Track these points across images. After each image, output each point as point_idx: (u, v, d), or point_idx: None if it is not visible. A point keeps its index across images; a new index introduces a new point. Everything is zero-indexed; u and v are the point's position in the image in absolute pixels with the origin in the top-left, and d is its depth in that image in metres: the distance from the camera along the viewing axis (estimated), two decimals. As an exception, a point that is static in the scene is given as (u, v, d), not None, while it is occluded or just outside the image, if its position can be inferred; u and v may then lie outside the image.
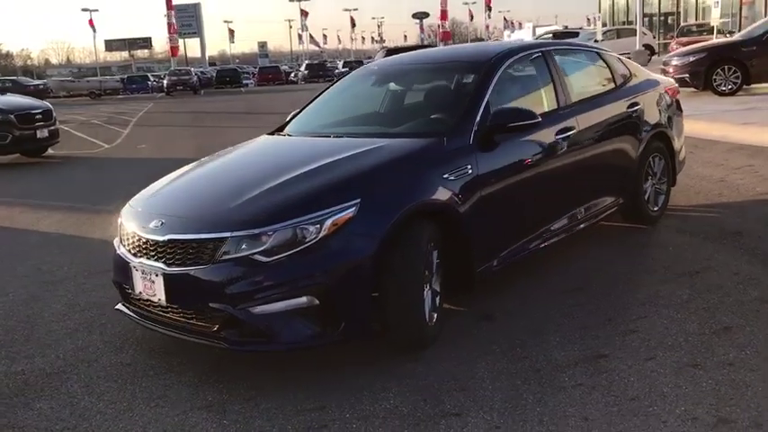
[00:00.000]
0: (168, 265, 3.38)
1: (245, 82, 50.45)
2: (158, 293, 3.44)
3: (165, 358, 3.80)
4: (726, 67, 13.41)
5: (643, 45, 27.66)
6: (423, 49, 6.11)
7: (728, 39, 15.94)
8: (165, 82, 42.09)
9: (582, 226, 4.77)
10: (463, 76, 4.44)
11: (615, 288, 4.33)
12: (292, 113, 5.17)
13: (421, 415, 3.02)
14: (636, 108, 5.27)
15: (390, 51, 30.26)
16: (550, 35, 31.24)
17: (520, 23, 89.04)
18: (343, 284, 3.25)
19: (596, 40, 28.70)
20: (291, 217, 3.25)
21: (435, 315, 3.64)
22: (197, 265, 3.30)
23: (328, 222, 3.24)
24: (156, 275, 3.41)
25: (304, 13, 78.68)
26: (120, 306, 3.95)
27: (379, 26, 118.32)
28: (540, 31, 69.27)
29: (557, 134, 4.41)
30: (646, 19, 33.23)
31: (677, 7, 34.18)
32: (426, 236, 3.51)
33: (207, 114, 23.32)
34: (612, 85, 5.27)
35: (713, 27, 25.09)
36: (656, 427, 2.79)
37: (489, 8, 71.17)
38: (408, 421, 2.98)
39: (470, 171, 3.82)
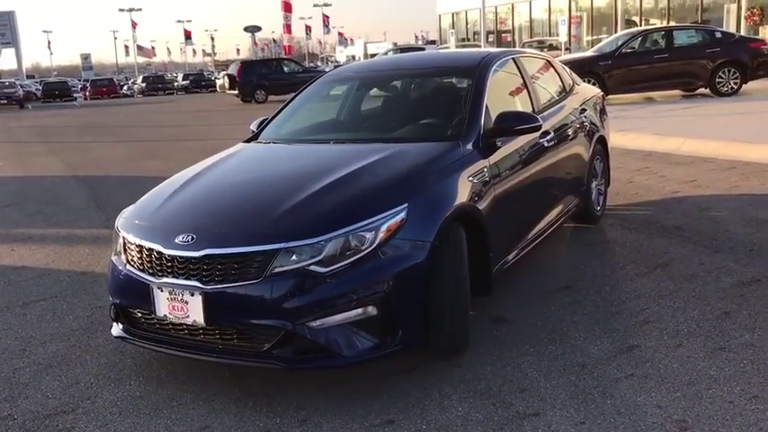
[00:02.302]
0: (205, 283, 3.09)
1: (75, 96, 47.26)
2: (193, 315, 3.12)
3: (180, 386, 3.46)
4: (586, 79, 14.46)
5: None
6: (394, 56, 6.01)
7: (585, 53, 17.24)
8: (-15, 95, 38.35)
9: (558, 223, 4.95)
10: (458, 81, 4.46)
11: (601, 284, 4.51)
12: (258, 121, 4.91)
13: (499, 419, 2.98)
14: (586, 113, 5.57)
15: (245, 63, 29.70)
16: (392, 51, 32.26)
17: (352, 39, 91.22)
18: (400, 292, 3.13)
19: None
20: (347, 224, 3.09)
21: None
22: (243, 281, 3.04)
23: (383, 228, 3.12)
24: (192, 295, 3.10)
25: (134, 25, 75.26)
26: (118, 332, 3.55)
27: (212, 39, 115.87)
28: (371, 47, 71.06)
29: (540, 136, 4.54)
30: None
31: (512, 25, 36.49)
32: (465, 240, 3.47)
33: (52, 129, 21.51)
34: (565, 91, 5.52)
35: (551, 44, 27.07)
36: (727, 408, 2.94)
37: (327, 25, 72.14)
38: (490, 426, 2.93)
39: (486, 173, 3.84)
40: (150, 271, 3.26)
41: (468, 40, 39.02)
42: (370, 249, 3.08)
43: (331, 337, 3.04)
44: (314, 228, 3.08)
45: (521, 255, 4.33)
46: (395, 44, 54.55)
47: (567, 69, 5.94)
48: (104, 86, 48.86)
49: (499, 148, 4.07)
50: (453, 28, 40.97)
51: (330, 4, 76.52)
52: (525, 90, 4.80)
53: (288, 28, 45.50)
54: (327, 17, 72.36)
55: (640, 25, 29.23)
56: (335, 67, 36.79)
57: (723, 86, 14.90)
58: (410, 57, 5.67)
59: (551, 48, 26.65)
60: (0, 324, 4.50)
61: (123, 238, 3.48)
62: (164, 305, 3.20)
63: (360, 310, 3.06)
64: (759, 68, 15.18)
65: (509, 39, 36.46)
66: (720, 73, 14.88)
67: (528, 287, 4.51)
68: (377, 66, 5.31)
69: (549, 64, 5.59)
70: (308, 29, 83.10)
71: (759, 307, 3.96)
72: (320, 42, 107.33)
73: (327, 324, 3.03)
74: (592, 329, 3.82)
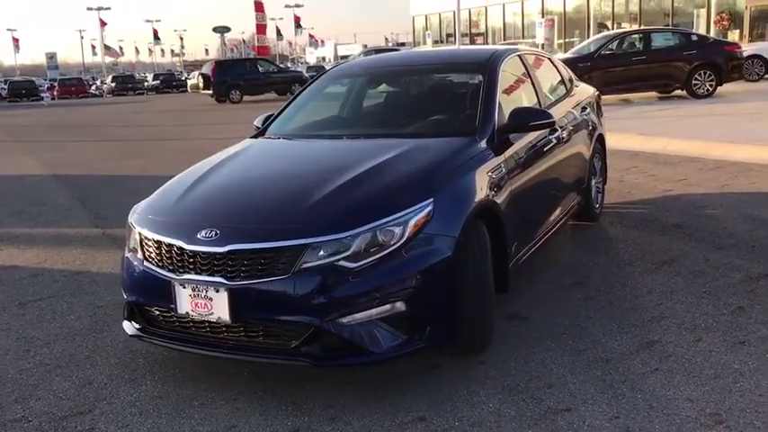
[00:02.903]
0: (230, 279, 3.01)
1: (42, 95, 46.36)
2: (218, 312, 3.04)
3: (198, 386, 3.37)
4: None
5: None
6: (401, 52, 5.99)
7: (564, 55, 17.38)
8: (-50, 94, 37.49)
9: (563, 221, 4.95)
10: (469, 77, 4.44)
11: (612, 281, 4.52)
12: (263, 117, 4.82)
13: (531, 415, 2.96)
14: (587, 111, 5.59)
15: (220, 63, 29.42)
16: (363, 53, 32.54)
17: (323, 41, 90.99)
18: (429, 287, 3.09)
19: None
20: (375, 218, 3.04)
21: None
22: (271, 277, 2.97)
23: (411, 223, 3.08)
24: (217, 291, 3.02)
25: (102, 24, 74.09)
26: (133, 331, 3.44)
27: (181, 39, 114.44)
28: (342, 48, 70.63)
29: (549, 133, 4.53)
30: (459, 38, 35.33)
31: (485, 28, 36.72)
32: (487, 235, 3.45)
33: (23, 129, 21.01)
34: (566, 89, 5.53)
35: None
36: (758, 401, 2.95)
37: (298, 26, 71.78)
38: (524, 422, 2.90)
39: (503, 168, 3.82)
40: (170, 267, 3.17)
41: (441, 42, 39.12)
42: (398, 244, 3.04)
43: (360, 333, 2.98)
44: (342, 222, 3.02)
45: (531, 251, 4.32)
46: (365, 46, 54.62)
47: (566, 67, 5.96)
48: (73, 86, 48.02)
49: (512, 144, 4.05)
50: (428, 30, 41.13)
51: (302, 5, 76.16)
52: (532, 87, 4.80)
53: (262, 28, 45.16)
54: (299, 18, 72.10)
55: (612, 29, 29.61)
56: (308, 68, 36.59)
57: (699, 88, 15.13)
58: (418, 53, 5.65)
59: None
60: (-2, 325, 4.37)
61: (140, 234, 3.38)
62: (186, 302, 3.11)
63: (388, 306, 3.01)
64: (733, 71, 15.46)
65: (481, 41, 36.69)
66: (696, 75, 15.11)
67: (539, 284, 4.50)
68: (383, 62, 5.26)
69: (551, 62, 5.60)
70: (278, 30, 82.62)
71: (774, 302, 4.00)
72: (290, 43, 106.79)
73: (356, 320, 2.97)
74: (609, 325, 3.82)
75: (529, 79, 4.83)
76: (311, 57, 78.99)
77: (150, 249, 3.29)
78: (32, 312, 4.54)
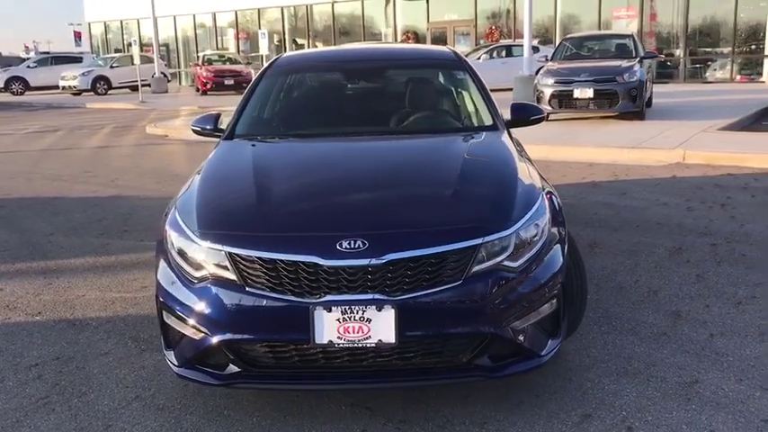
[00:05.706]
0: (391, 294, 2.56)
1: None
2: (378, 334, 2.56)
3: (305, 430, 2.79)
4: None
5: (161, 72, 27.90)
6: (355, 47, 5.48)
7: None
8: None
9: None
10: (452, 73, 4.34)
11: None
12: (211, 118, 4.06)
13: (674, 392, 3.04)
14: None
15: None
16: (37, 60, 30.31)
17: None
18: (567, 281, 2.98)
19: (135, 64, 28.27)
20: (524, 213, 2.86)
21: None
22: (441, 286, 2.60)
23: (546, 216, 2.96)
24: (379, 310, 2.54)
25: None
26: (217, 381, 2.72)
27: None
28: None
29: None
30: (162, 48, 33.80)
31: (175, 36, 35.37)
32: (560, 225, 3.44)
33: None
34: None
35: (230, 57, 27.21)
36: (814, 346, 3.43)
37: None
38: (679, 401, 2.98)
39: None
40: (298, 290, 2.58)
41: (120, 51, 36.72)
42: (542, 240, 2.89)
43: (528, 336, 2.77)
44: (503, 219, 2.79)
45: None
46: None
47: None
48: None
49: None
50: (107, 35, 38.37)
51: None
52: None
53: None
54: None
55: (308, 45, 30.76)
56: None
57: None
58: (374, 49, 5.32)
59: (233, 62, 26.56)
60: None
61: (231, 254, 2.65)
62: (331, 329, 2.56)
63: (549, 305, 2.85)
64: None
65: (164, 51, 35.28)
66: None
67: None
68: (344, 56, 4.81)
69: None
70: None
71: (715, 267, 4.61)
72: None
73: (526, 323, 2.76)
74: (621, 304, 4.05)
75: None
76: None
77: (257, 272, 2.62)
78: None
